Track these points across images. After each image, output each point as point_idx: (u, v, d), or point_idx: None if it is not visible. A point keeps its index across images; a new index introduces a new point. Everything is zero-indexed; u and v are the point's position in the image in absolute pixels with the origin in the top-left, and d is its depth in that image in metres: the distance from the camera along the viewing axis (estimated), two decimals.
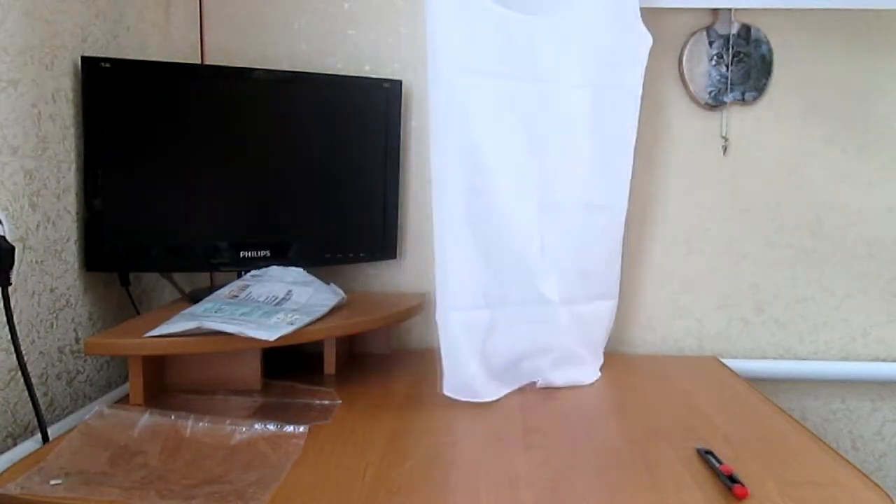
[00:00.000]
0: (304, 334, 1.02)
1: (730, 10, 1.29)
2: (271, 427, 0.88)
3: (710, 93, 1.31)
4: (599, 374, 1.17)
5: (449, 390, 1.03)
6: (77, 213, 1.07)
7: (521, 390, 1.09)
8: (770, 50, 1.30)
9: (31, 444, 0.89)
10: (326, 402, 1.01)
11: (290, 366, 1.14)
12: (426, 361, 1.16)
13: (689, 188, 1.34)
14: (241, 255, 1.20)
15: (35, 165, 0.97)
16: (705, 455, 0.84)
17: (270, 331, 0.95)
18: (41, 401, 0.93)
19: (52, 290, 1.01)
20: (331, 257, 1.28)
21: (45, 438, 0.90)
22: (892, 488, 0.80)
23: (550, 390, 1.10)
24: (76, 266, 1.07)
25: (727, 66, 1.30)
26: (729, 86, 1.31)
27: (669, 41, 1.29)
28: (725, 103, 1.31)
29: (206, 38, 1.35)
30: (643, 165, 1.28)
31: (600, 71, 1.11)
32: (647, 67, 1.17)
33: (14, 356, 0.89)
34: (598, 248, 1.17)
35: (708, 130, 1.33)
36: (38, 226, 0.98)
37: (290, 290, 1.12)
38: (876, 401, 1.37)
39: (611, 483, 0.80)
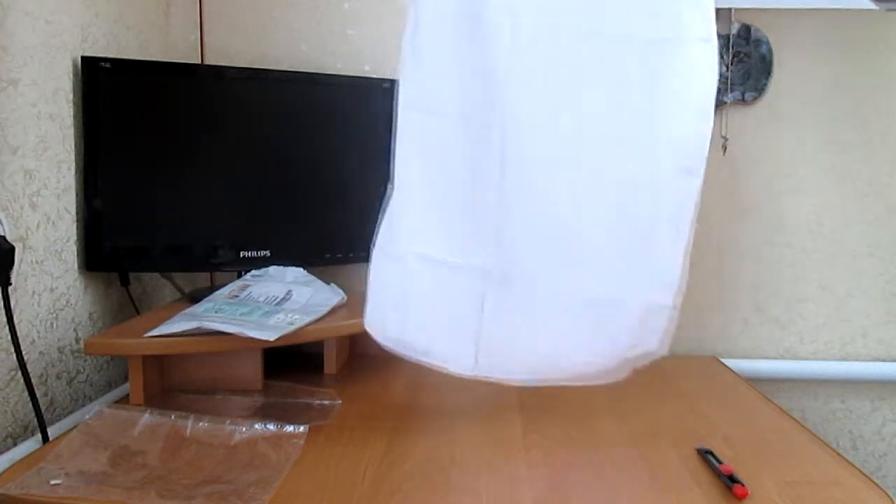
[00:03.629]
0: (304, 334, 1.02)
1: (730, 10, 1.29)
2: (271, 427, 0.88)
3: None
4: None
5: (369, 325, 0.94)
6: (77, 213, 1.07)
7: (520, 390, 1.09)
8: (770, 50, 1.30)
9: (31, 444, 0.89)
10: (326, 402, 1.01)
11: (290, 366, 1.14)
12: None
13: None
14: (241, 255, 1.20)
15: (35, 165, 0.97)
16: (705, 455, 0.84)
17: (270, 331, 0.95)
18: (41, 401, 0.93)
19: (52, 290, 1.01)
20: (331, 257, 1.28)
21: (45, 438, 0.90)
22: (892, 488, 0.80)
23: (551, 390, 1.10)
24: (76, 266, 1.07)
25: (727, 66, 1.30)
26: (729, 86, 1.31)
27: None
28: (725, 103, 1.31)
29: (206, 38, 1.35)
30: None
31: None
32: None
33: (14, 356, 0.89)
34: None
35: None
36: (38, 226, 0.98)
37: (290, 291, 1.12)
38: (876, 401, 1.36)
39: (611, 483, 0.80)
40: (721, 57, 1.30)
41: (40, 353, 0.98)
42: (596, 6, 0.92)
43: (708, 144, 0.90)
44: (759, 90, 1.31)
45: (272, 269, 1.18)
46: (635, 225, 0.94)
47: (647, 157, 0.92)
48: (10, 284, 0.88)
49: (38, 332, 0.98)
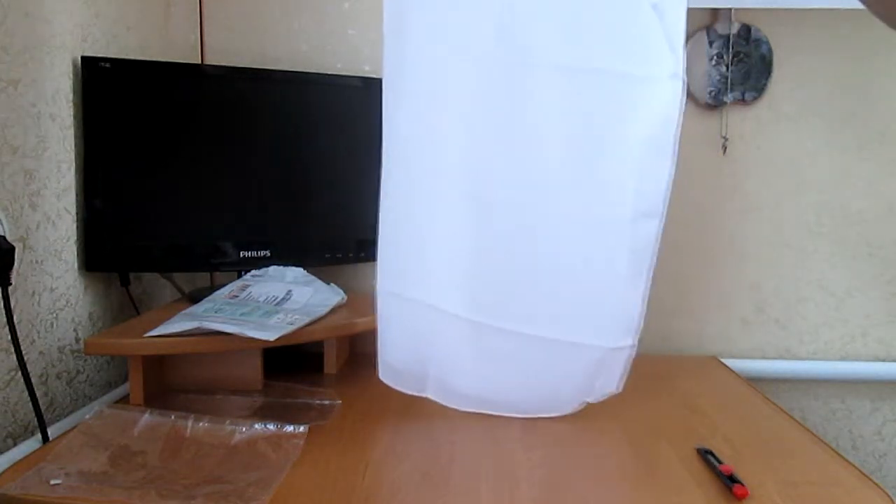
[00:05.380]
0: (304, 334, 1.02)
1: (730, 10, 1.29)
2: (271, 427, 0.88)
3: (710, 93, 1.31)
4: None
5: (383, 375, 1.01)
6: (77, 213, 1.07)
7: None
8: (770, 50, 1.30)
9: (31, 444, 0.89)
10: (326, 402, 1.01)
11: (290, 366, 1.14)
12: None
13: (689, 188, 1.34)
14: (241, 255, 1.20)
15: (35, 165, 0.97)
16: (705, 455, 0.84)
17: (270, 331, 0.95)
18: (41, 401, 0.93)
19: (52, 290, 1.01)
20: (331, 257, 1.28)
21: (45, 438, 0.90)
22: (892, 488, 0.80)
23: None
24: (76, 266, 1.07)
25: (727, 66, 1.30)
26: (729, 86, 1.31)
27: None
28: (725, 103, 1.31)
29: (206, 38, 1.35)
30: None
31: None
32: None
33: (14, 356, 0.89)
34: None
35: (708, 130, 1.33)
36: (38, 226, 0.98)
37: (290, 291, 1.12)
38: (876, 401, 1.36)
39: (611, 483, 0.80)
40: (721, 57, 1.30)
41: (40, 353, 0.98)
42: (564, 39, 0.90)
43: (668, 185, 0.88)
44: (759, 90, 1.31)
45: (272, 269, 1.18)
46: (593, 270, 0.92)
47: (607, 199, 0.90)
48: (10, 284, 0.88)
49: (38, 332, 0.98)
